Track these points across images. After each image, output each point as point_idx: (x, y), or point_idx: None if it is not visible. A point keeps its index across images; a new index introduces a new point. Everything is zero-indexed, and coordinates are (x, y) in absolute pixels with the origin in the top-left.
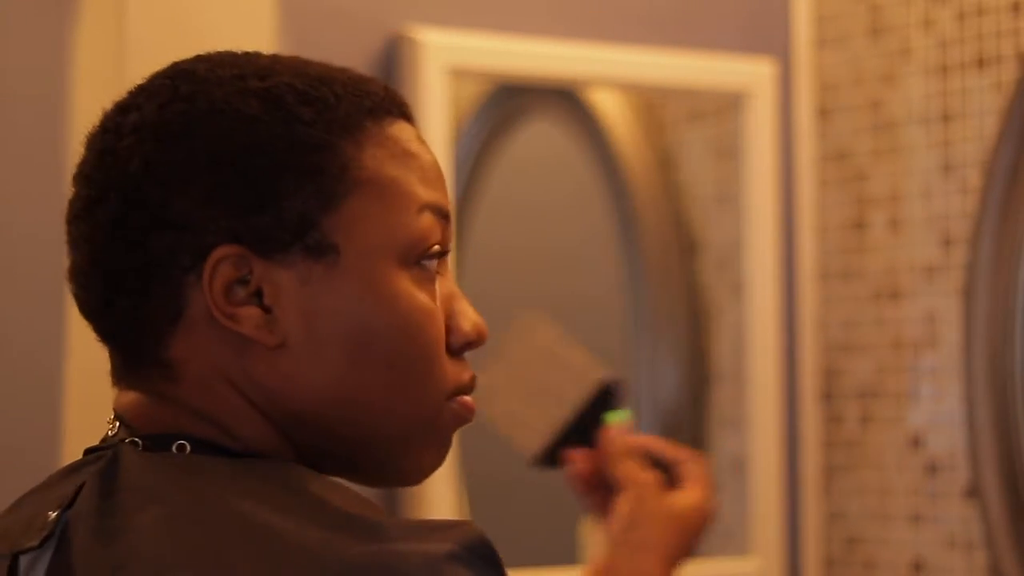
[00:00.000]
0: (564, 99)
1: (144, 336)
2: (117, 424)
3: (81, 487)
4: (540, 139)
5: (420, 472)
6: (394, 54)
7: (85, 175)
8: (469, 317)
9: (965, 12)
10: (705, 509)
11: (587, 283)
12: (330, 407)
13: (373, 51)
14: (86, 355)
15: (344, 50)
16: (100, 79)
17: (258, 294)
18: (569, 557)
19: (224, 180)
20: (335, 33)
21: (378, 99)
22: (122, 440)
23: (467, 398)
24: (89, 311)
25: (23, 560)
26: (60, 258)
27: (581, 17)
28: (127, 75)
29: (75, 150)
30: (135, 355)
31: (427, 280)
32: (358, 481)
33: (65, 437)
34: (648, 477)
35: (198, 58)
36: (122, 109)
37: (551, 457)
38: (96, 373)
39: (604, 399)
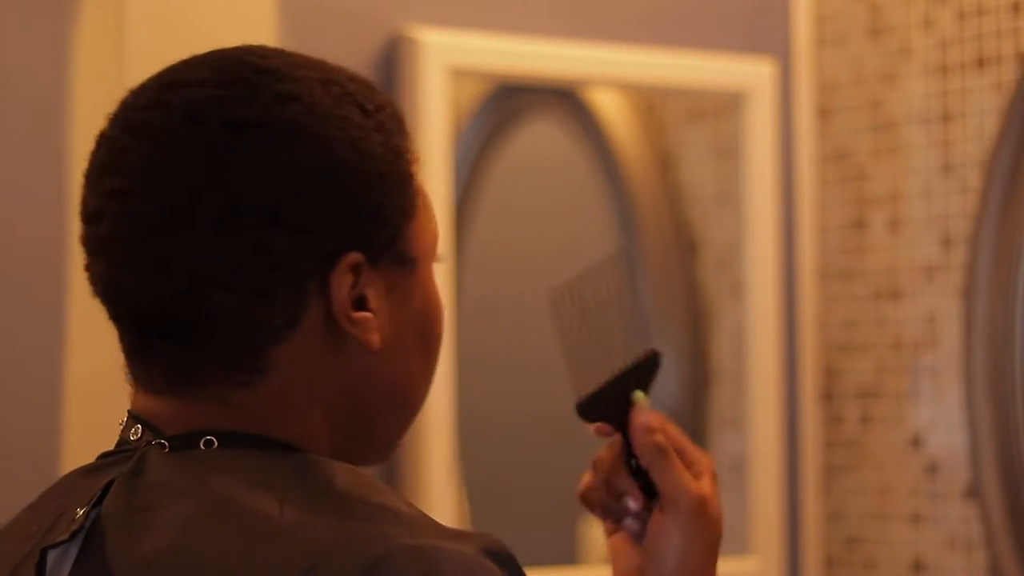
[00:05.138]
0: (564, 99)
1: (247, 340)
2: (140, 428)
3: (108, 485)
4: (540, 139)
5: (387, 458)
6: (394, 54)
7: (171, 165)
8: None
9: (965, 12)
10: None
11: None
12: (392, 399)
13: (373, 51)
14: (86, 355)
15: (344, 50)
16: (100, 79)
17: (361, 300)
18: (569, 557)
19: (344, 186)
20: (335, 33)
21: (402, 113)
22: (148, 442)
23: None
24: (155, 310)
25: (51, 556)
26: (60, 258)
27: (581, 17)
28: (127, 75)
29: (75, 150)
30: (222, 358)
31: None
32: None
33: (65, 437)
34: (702, 488)
35: (257, 52)
36: (220, 101)
37: (587, 411)
38: (96, 373)
39: (646, 371)
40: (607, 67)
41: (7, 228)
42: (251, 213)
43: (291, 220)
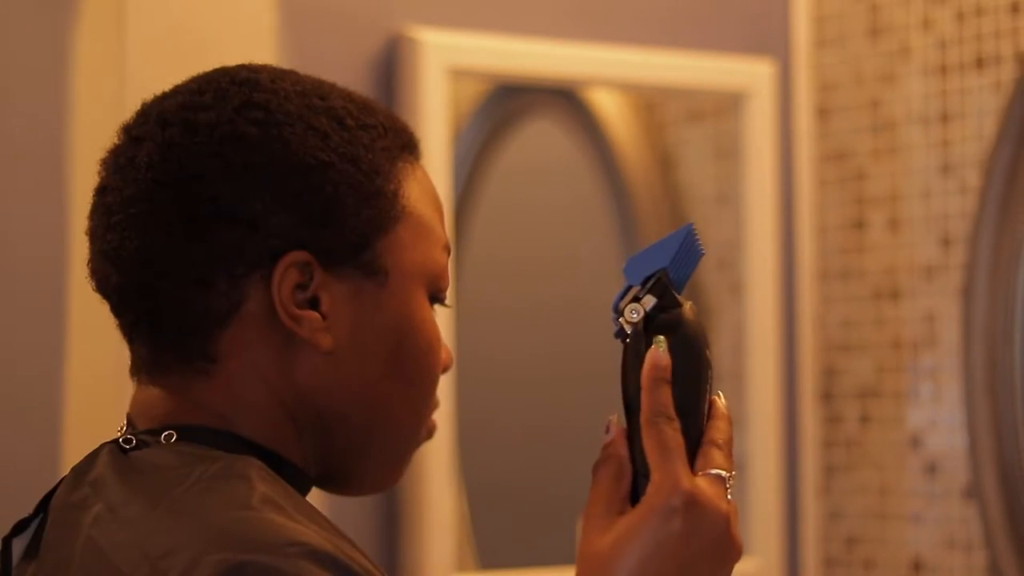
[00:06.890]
0: (564, 99)
1: (193, 327)
2: (125, 423)
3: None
4: (540, 139)
5: (384, 485)
6: (394, 54)
7: (139, 164)
8: (446, 346)
9: (964, 12)
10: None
11: (587, 284)
12: (355, 410)
13: (373, 51)
14: (86, 355)
15: (344, 50)
16: (100, 79)
17: (313, 301)
18: (569, 557)
19: (298, 189)
20: (335, 33)
21: (408, 137)
22: (115, 439)
23: (435, 417)
24: (122, 300)
25: (16, 544)
26: (60, 258)
27: (581, 17)
28: (127, 76)
29: (75, 150)
30: (175, 346)
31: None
32: (326, 486)
33: (65, 438)
34: (696, 485)
35: (249, 67)
36: (188, 107)
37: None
38: (96, 373)
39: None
40: (607, 67)
41: (7, 229)
42: (194, 208)
43: (241, 217)
